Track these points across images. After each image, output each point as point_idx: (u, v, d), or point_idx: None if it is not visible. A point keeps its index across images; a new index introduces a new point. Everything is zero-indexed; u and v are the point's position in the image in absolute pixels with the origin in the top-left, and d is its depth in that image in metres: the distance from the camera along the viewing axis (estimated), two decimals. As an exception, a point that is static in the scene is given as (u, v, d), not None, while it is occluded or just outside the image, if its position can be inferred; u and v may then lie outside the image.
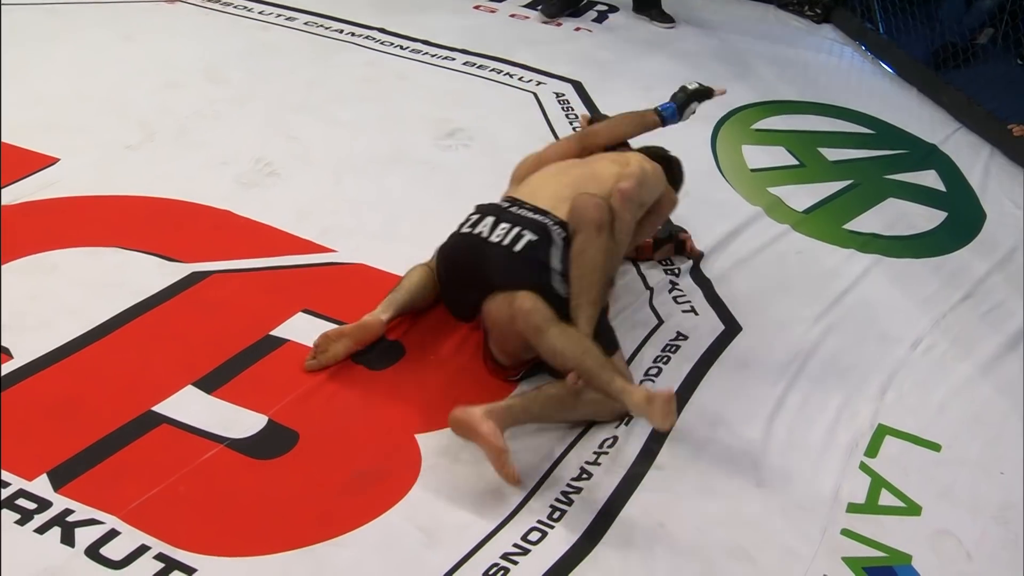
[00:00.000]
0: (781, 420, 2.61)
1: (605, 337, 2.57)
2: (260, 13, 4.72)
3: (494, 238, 2.59)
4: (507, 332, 2.55)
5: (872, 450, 2.54)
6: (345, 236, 3.14)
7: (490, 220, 2.63)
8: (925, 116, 4.30)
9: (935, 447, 2.57)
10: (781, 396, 2.68)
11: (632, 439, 2.50)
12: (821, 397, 2.70)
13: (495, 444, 2.27)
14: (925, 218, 3.56)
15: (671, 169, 3.02)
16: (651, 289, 3.05)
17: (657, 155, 3.02)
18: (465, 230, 2.66)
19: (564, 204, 2.65)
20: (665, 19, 5.05)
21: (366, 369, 2.63)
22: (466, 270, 2.64)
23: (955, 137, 4.13)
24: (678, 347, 2.84)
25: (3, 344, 2.55)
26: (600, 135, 3.07)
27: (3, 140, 3.41)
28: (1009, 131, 3.99)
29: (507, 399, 2.44)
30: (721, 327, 2.93)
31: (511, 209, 2.67)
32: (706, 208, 3.45)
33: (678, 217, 3.25)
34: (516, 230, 2.58)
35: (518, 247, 2.56)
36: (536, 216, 2.63)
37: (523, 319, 2.45)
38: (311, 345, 2.62)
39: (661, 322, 2.93)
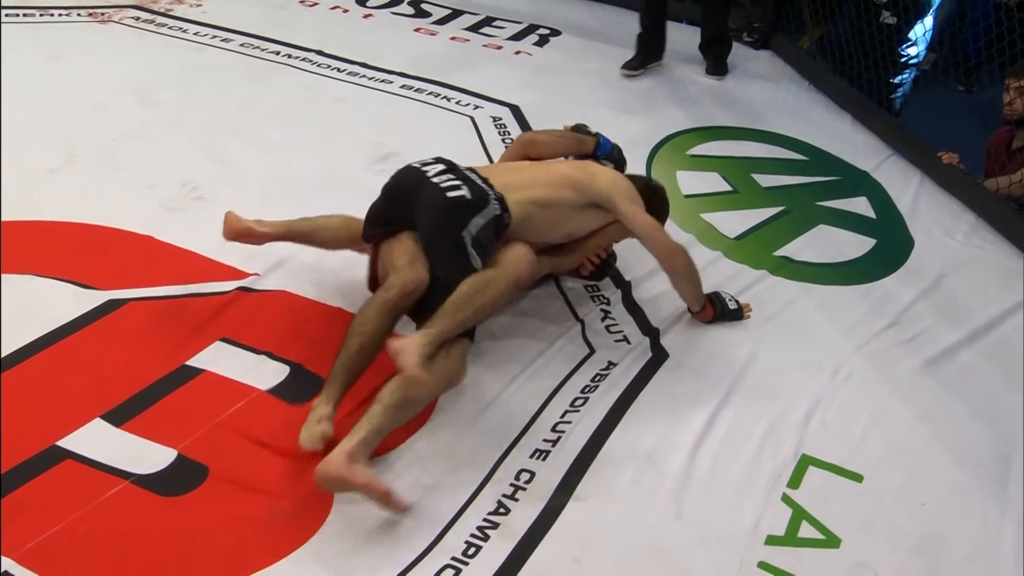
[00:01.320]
0: (705, 450, 2.60)
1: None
2: (195, 34, 4.65)
3: (435, 179, 2.71)
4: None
5: (795, 481, 2.53)
6: (270, 262, 3.08)
7: (441, 167, 2.77)
8: (859, 143, 4.32)
9: (857, 478, 2.56)
10: (706, 425, 2.67)
11: (552, 471, 2.47)
12: (746, 426, 2.68)
13: (377, 489, 2.24)
14: (854, 245, 3.57)
15: (652, 212, 2.99)
16: (582, 321, 3.03)
17: (641, 182, 3.07)
18: (415, 164, 2.81)
19: (513, 192, 2.78)
20: (719, 70, 4.83)
21: (282, 401, 2.57)
22: (396, 192, 2.78)
23: (887, 164, 4.15)
24: (606, 376, 2.82)
25: (-96, 376, 2.47)
26: (540, 146, 3.14)
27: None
28: (939, 158, 4.02)
29: (357, 433, 2.32)
30: (649, 355, 2.91)
31: (465, 171, 2.79)
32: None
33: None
34: (458, 183, 2.70)
35: (451, 195, 2.66)
36: (483, 185, 2.74)
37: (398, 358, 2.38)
38: (227, 376, 2.57)
39: (592, 351, 2.91)
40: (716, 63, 4.83)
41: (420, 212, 2.70)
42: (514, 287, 2.66)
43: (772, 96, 4.62)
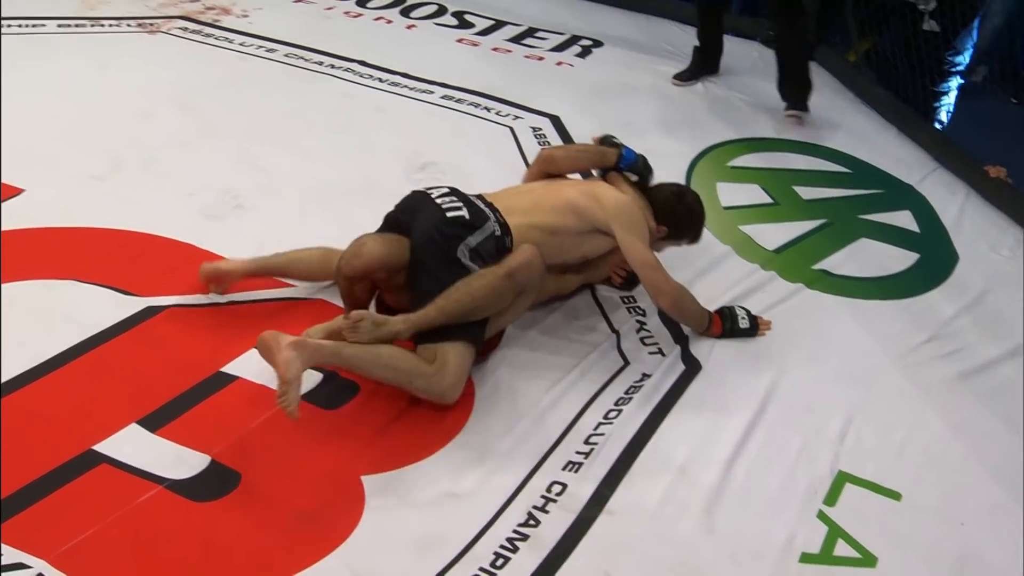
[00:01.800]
0: (739, 464, 2.57)
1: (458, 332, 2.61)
2: (240, 44, 4.71)
3: (437, 200, 2.76)
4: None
5: (831, 498, 2.49)
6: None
7: (446, 190, 2.82)
8: (904, 155, 4.26)
9: (895, 495, 2.52)
10: (740, 439, 2.64)
11: (584, 483, 2.45)
12: (781, 440, 2.65)
13: (284, 373, 2.33)
14: (897, 259, 3.51)
15: (674, 218, 3.02)
16: (617, 332, 3.01)
17: (667, 191, 3.06)
18: (422, 187, 2.88)
19: (516, 216, 2.82)
20: (798, 106, 4.46)
21: (317, 408, 2.59)
22: (401, 211, 2.83)
23: (932, 177, 4.09)
24: (640, 387, 2.80)
25: (-52, 379, 2.52)
26: (558, 163, 3.12)
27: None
28: (985, 172, 3.95)
29: (323, 338, 2.52)
30: (682, 367, 2.89)
31: (469, 196, 2.82)
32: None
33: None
34: (458, 204, 2.75)
35: (449, 214, 2.71)
36: (485, 209, 2.78)
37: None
38: (261, 383, 2.59)
39: (627, 363, 2.89)
40: (794, 103, 4.46)
41: (417, 228, 2.71)
42: (505, 278, 2.62)
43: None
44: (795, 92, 4.44)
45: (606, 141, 3.19)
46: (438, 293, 2.59)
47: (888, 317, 3.19)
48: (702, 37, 4.79)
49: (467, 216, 2.71)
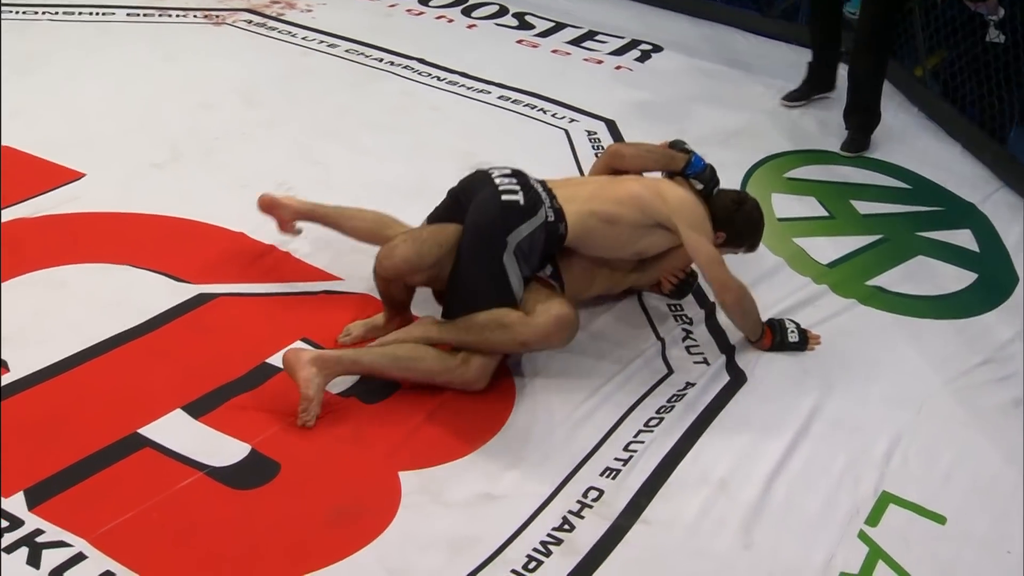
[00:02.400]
0: (781, 480, 2.53)
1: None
2: (303, 39, 4.76)
3: (496, 180, 2.77)
4: None
5: (874, 519, 2.45)
6: (355, 266, 3.11)
7: (508, 171, 2.84)
8: (967, 173, 4.16)
9: (940, 519, 2.47)
10: (783, 455, 2.60)
11: (621, 491, 2.44)
12: (825, 458, 2.61)
13: (304, 391, 2.45)
14: (954, 279, 3.44)
15: (732, 225, 2.98)
16: (663, 340, 2.99)
17: (728, 197, 3.03)
18: (484, 168, 2.90)
19: (575, 204, 2.81)
20: (855, 147, 4.23)
21: (358, 401, 2.61)
22: (459, 190, 2.87)
23: (995, 197, 3.99)
24: (683, 396, 2.77)
25: (3, 358, 2.57)
26: (625, 160, 3.09)
27: (33, 153, 3.46)
28: (1052, 193, 3.86)
29: (341, 351, 2.64)
30: (727, 378, 2.86)
31: (530, 179, 2.83)
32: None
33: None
34: (516, 187, 2.75)
35: (504, 198, 2.72)
36: (543, 194, 2.78)
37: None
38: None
39: (671, 372, 2.87)
40: (852, 135, 4.23)
41: (472, 207, 2.76)
42: (519, 345, 2.69)
43: (868, 148, 4.46)
44: (861, 129, 4.26)
45: (676, 146, 3.15)
46: (468, 291, 2.65)
47: (942, 337, 3.12)
48: (813, 41, 4.55)
49: (522, 202, 2.71)
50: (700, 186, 3.03)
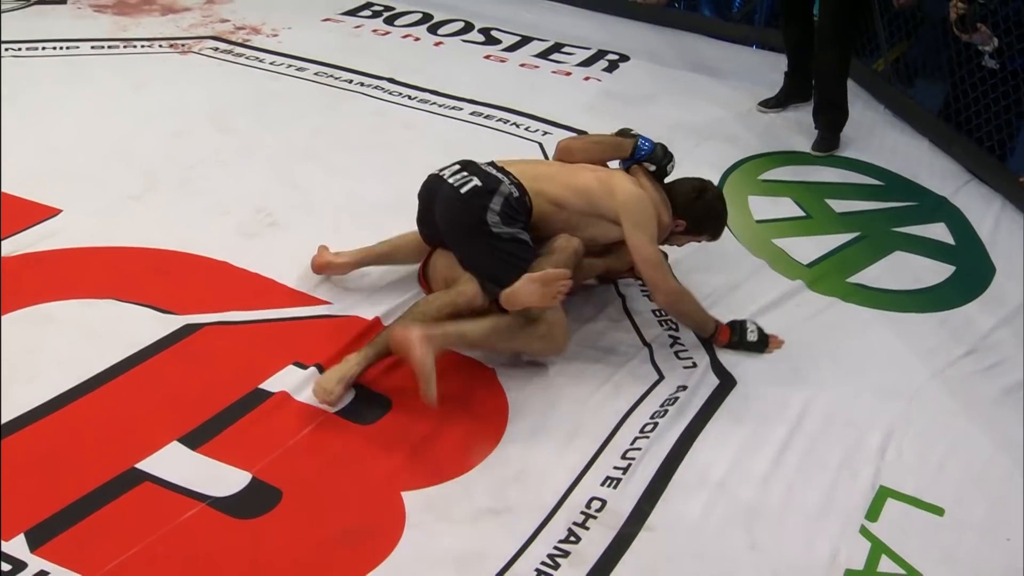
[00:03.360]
0: (778, 479, 2.56)
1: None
2: (271, 63, 4.75)
3: (449, 180, 2.87)
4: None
5: (873, 513, 2.47)
6: (341, 287, 3.13)
7: (456, 167, 2.93)
8: (936, 167, 4.23)
9: (938, 511, 2.50)
10: (778, 454, 2.63)
11: (623, 499, 2.45)
12: (820, 454, 2.64)
13: (420, 371, 2.52)
14: (932, 272, 3.50)
15: (693, 214, 3.04)
16: (649, 346, 3.01)
17: (688, 185, 3.07)
18: (435, 171, 2.97)
19: (531, 182, 2.89)
20: (825, 146, 4.29)
21: (352, 423, 2.60)
22: (424, 203, 2.97)
23: (966, 189, 4.06)
24: (675, 401, 2.79)
25: (-6, 398, 2.55)
26: (575, 154, 3.14)
27: (7, 192, 3.43)
28: (1020, 183, 3.92)
29: (443, 325, 2.68)
30: (717, 381, 2.88)
31: (481, 165, 2.94)
32: (709, 259, 3.42)
33: (680, 261, 3.29)
34: (469, 177, 2.85)
35: (463, 189, 2.82)
36: (496, 173, 2.88)
37: (466, 303, 2.77)
38: (300, 399, 2.61)
39: (661, 377, 2.89)
40: (821, 135, 4.29)
41: (438, 212, 2.88)
42: (536, 352, 2.85)
43: (839, 147, 4.53)
44: (830, 127, 4.31)
45: (623, 133, 3.18)
46: (483, 266, 2.77)
47: (925, 330, 3.17)
48: (791, 61, 4.59)
49: (479, 183, 2.82)
50: (652, 167, 3.06)
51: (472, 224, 2.79)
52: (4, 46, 4.60)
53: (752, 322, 3.05)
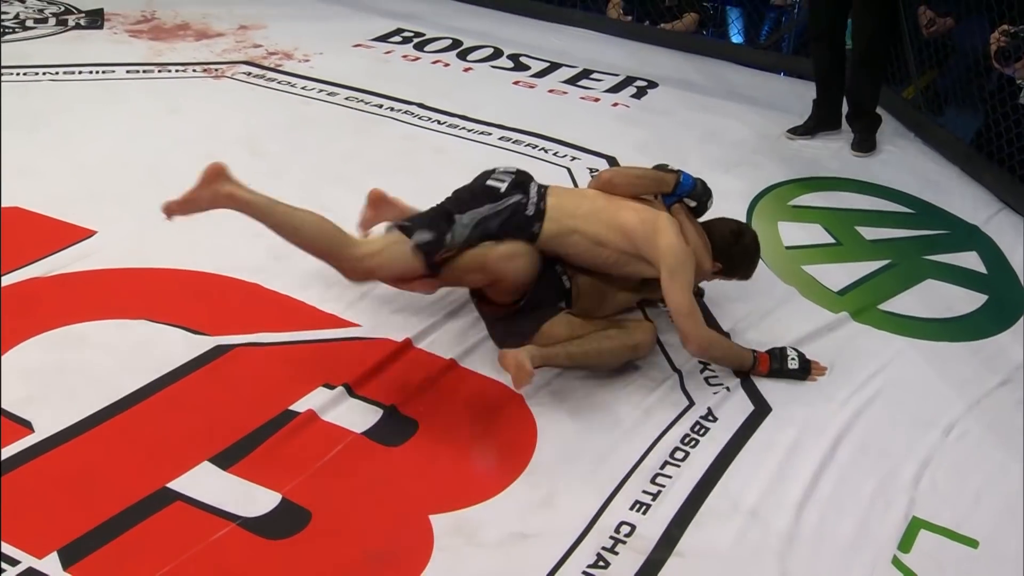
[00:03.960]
0: (812, 508, 2.53)
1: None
2: (303, 88, 4.80)
3: (496, 171, 3.00)
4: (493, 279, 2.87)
5: (906, 544, 2.44)
6: (371, 310, 3.14)
7: (513, 169, 3.02)
8: (967, 196, 4.21)
9: (972, 543, 2.46)
10: (811, 483, 2.60)
11: (653, 524, 2.43)
12: (854, 484, 2.61)
13: (521, 378, 2.66)
14: (964, 300, 3.47)
15: (730, 258, 3.07)
16: (679, 372, 3.00)
17: (727, 228, 3.10)
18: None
19: (567, 218, 2.89)
20: (864, 147, 4.51)
21: (381, 445, 2.61)
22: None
23: (998, 218, 4.03)
24: (707, 429, 2.78)
25: (25, 417, 2.56)
26: (617, 188, 3.07)
27: (42, 212, 3.47)
28: (1054, 212, 3.90)
29: (549, 349, 2.81)
30: (751, 408, 2.86)
31: (527, 181, 2.98)
32: (739, 286, 3.39)
33: (710, 287, 3.31)
34: (505, 179, 2.94)
35: (488, 182, 2.95)
36: (534, 195, 2.91)
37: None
38: (328, 419, 2.62)
39: (692, 403, 2.88)
40: (861, 136, 4.50)
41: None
42: (631, 349, 2.92)
43: (876, 147, 4.53)
44: (867, 129, 4.51)
45: (661, 168, 3.18)
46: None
47: (959, 360, 3.14)
48: (818, 73, 4.62)
49: (502, 190, 2.90)
50: (693, 203, 3.06)
51: (449, 211, 2.89)
52: (41, 70, 4.68)
53: (793, 348, 3.04)
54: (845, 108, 4.63)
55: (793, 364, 2.98)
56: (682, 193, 3.04)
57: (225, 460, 2.49)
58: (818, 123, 4.64)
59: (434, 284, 2.93)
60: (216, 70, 4.92)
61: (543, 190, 2.94)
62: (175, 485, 2.39)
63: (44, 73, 4.68)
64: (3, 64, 4.65)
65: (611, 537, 2.39)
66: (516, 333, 2.89)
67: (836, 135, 4.63)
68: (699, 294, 3.23)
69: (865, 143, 4.49)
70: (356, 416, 2.69)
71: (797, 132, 4.64)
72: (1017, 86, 4.17)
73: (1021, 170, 4.13)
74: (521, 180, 2.95)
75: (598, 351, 2.85)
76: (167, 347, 2.90)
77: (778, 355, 3.00)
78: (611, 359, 2.90)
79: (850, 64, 4.48)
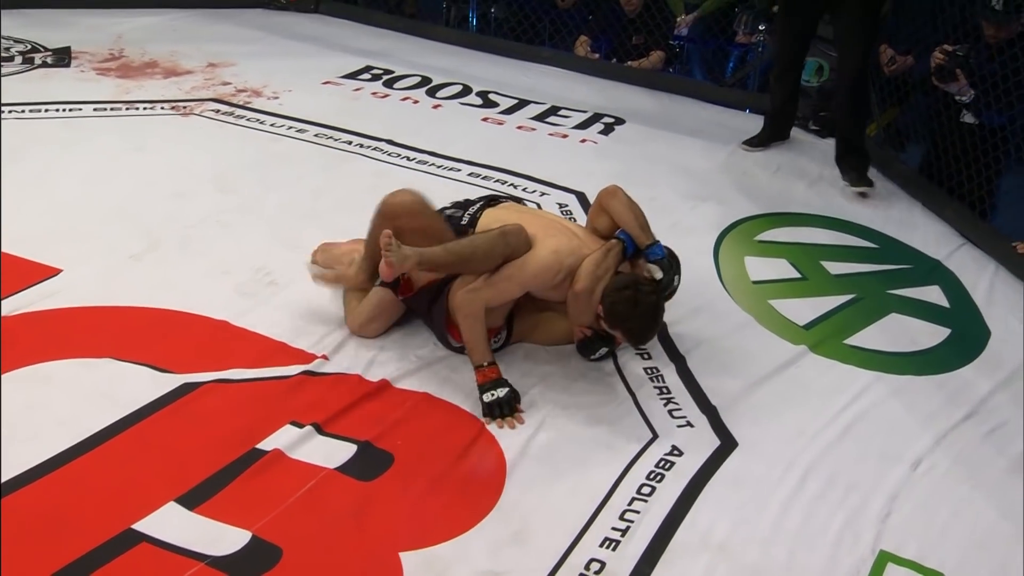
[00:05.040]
0: (780, 543, 2.55)
1: None
2: (272, 125, 4.81)
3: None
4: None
5: (874, 578, 2.47)
6: (340, 346, 3.14)
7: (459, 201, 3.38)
8: (930, 231, 4.29)
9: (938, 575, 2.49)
10: (779, 517, 2.62)
11: (622, 561, 2.44)
12: (822, 518, 2.64)
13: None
14: (928, 334, 3.52)
15: (611, 308, 2.93)
16: (640, 404, 3.02)
17: (620, 287, 2.95)
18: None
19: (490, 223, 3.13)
20: (862, 182, 4.55)
21: (353, 479, 2.60)
22: None
23: (959, 253, 4.10)
24: (672, 463, 2.79)
25: (-8, 457, 2.54)
26: (611, 207, 3.22)
27: (8, 252, 3.45)
28: (1014, 248, 3.96)
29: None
30: (717, 442, 2.88)
31: (471, 201, 3.33)
32: (705, 319, 3.45)
33: (674, 323, 3.33)
34: (453, 207, 3.33)
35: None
36: (474, 207, 3.28)
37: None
38: (297, 458, 2.61)
39: (655, 436, 2.89)
40: (858, 173, 4.56)
41: None
42: (500, 235, 2.99)
43: (840, 183, 4.60)
44: (859, 167, 4.57)
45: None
46: None
47: (925, 393, 3.18)
48: (776, 99, 4.94)
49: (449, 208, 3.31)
50: (659, 275, 3.05)
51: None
52: (7, 108, 4.66)
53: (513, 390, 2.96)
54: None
55: (501, 393, 2.91)
56: (651, 258, 3.08)
57: (192, 500, 2.47)
58: (772, 135, 5.00)
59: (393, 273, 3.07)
60: (184, 108, 4.93)
61: (486, 206, 3.23)
62: (140, 526, 2.37)
63: (10, 112, 4.66)
64: (-32, 102, 4.64)
65: (581, 574, 2.39)
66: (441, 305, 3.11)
67: (801, 173, 4.71)
68: (599, 344, 3.11)
69: (862, 179, 4.56)
70: (328, 452, 2.69)
71: (752, 144, 4.98)
72: (958, 104, 4.33)
73: (968, 194, 4.30)
74: (468, 202, 3.28)
75: (471, 242, 3.00)
76: (133, 386, 2.88)
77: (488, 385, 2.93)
78: (485, 246, 2.97)
79: (837, 103, 4.72)
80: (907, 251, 4.12)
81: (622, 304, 2.91)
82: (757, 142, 4.99)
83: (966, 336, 3.53)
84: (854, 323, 3.54)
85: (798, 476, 2.76)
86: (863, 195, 4.52)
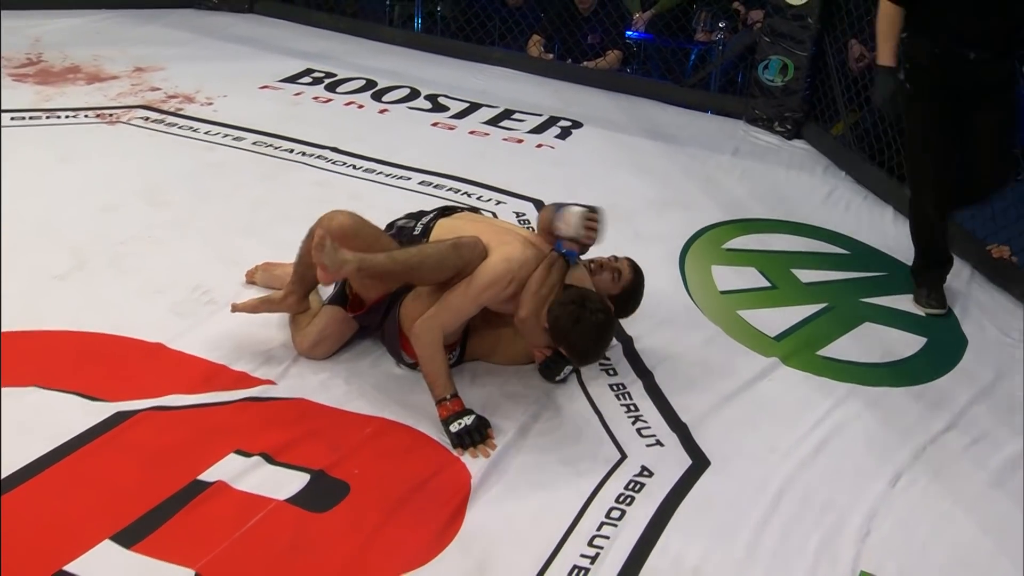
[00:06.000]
0: (756, 564, 2.57)
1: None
2: (206, 133, 4.78)
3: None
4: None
5: (854, 599, 2.50)
6: (287, 369, 3.12)
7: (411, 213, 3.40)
8: (903, 235, 4.34)
9: (920, 594, 2.53)
10: (755, 538, 2.65)
11: (596, 587, 2.45)
12: (799, 538, 2.66)
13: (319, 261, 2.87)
14: (904, 344, 3.58)
15: (557, 316, 2.94)
16: (607, 424, 3.04)
17: (568, 301, 2.96)
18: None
19: (443, 233, 3.15)
20: (937, 304, 3.79)
21: (305, 511, 2.58)
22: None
23: (933, 258, 4.18)
24: (642, 485, 2.81)
25: (-96, 496, 2.48)
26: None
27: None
28: (988, 252, 4.05)
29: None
30: (688, 461, 2.91)
31: (424, 212, 3.34)
32: (671, 331, 3.48)
33: (640, 338, 3.35)
34: (405, 218, 3.35)
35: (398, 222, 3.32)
36: (428, 217, 3.29)
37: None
38: (242, 489, 2.58)
39: (624, 456, 2.91)
40: (935, 290, 3.81)
41: None
42: (452, 247, 2.97)
43: (808, 187, 4.69)
44: (935, 279, 3.86)
45: (592, 210, 3.22)
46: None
47: (902, 405, 3.24)
48: (936, 234, 3.85)
49: (400, 221, 3.30)
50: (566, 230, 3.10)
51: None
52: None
53: (479, 416, 2.94)
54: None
55: (469, 421, 2.90)
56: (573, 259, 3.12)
57: (129, 537, 2.43)
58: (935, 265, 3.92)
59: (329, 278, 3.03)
60: (111, 115, 4.88)
61: (440, 215, 3.25)
62: (73, 567, 2.33)
63: (-84, 122, 4.58)
64: None
65: (555, 600, 2.40)
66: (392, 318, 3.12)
67: (766, 175, 4.76)
68: (557, 366, 3.15)
69: (940, 299, 3.83)
70: (277, 482, 2.66)
71: (934, 303, 3.84)
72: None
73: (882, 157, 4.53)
74: (422, 213, 3.30)
75: (420, 251, 2.98)
76: (61, 416, 2.83)
77: (454, 416, 2.92)
78: (435, 256, 2.95)
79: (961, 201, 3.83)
80: (880, 257, 4.19)
81: (564, 319, 2.94)
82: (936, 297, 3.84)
83: (942, 345, 3.60)
84: (827, 333, 3.60)
85: (772, 495, 2.80)
86: (940, 313, 3.80)
